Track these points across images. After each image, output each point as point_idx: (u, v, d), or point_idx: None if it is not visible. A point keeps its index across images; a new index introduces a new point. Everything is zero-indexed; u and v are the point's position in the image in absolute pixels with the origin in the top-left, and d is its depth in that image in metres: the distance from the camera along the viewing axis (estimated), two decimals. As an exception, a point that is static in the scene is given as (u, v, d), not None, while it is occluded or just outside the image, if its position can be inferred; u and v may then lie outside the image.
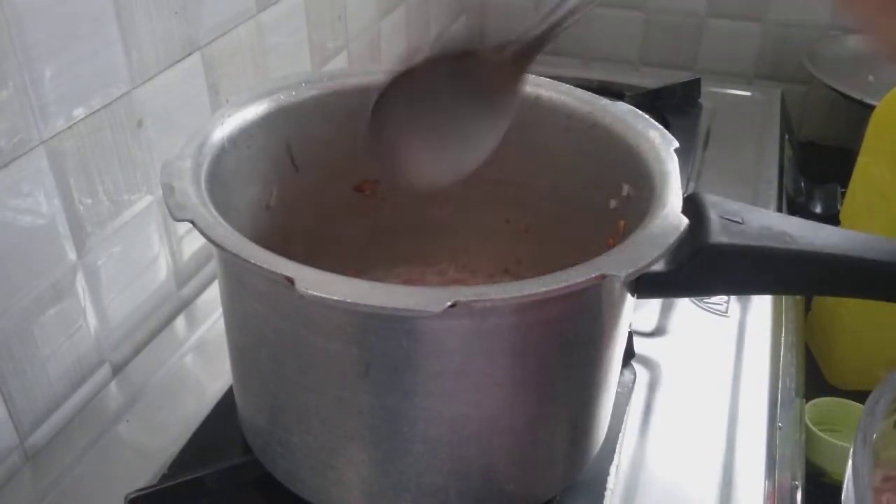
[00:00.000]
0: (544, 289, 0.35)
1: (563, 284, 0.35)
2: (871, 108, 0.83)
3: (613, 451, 0.52)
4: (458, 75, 0.41)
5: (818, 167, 1.01)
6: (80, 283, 0.55)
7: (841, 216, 0.88)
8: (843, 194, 0.89)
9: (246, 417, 0.48)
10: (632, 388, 0.57)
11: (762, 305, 0.66)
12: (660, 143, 0.45)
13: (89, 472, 0.52)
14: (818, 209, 0.90)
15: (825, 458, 0.83)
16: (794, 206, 0.88)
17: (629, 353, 0.59)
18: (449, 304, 0.33)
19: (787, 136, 0.97)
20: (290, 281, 0.34)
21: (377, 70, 0.53)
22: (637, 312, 0.63)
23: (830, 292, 0.46)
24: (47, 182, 0.51)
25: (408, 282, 0.58)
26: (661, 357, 0.60)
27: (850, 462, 0.38)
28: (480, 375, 0.39)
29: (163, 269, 0.64)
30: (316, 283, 0.34)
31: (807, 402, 0.82)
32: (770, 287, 0.50)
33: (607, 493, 0.49)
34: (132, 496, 0.46)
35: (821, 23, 1.08)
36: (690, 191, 0.53)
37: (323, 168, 0.53)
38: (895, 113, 0.79)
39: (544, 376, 0.41)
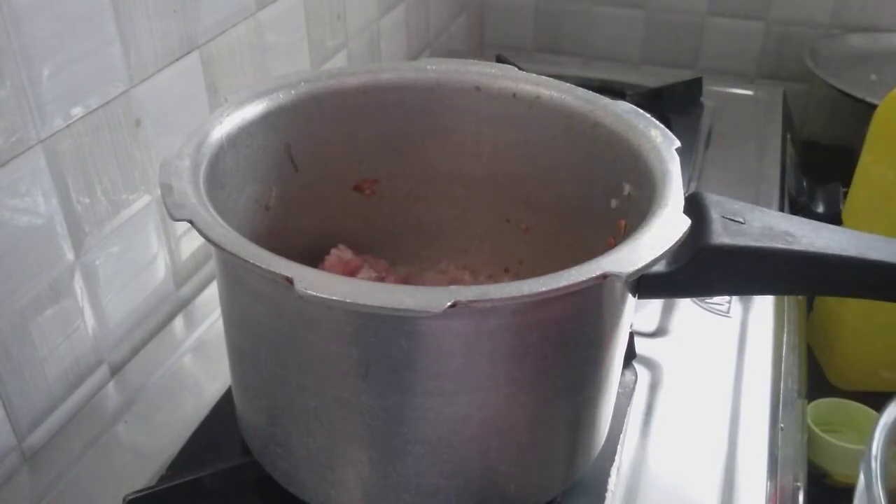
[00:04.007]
0: (545, 289, 0.34)
1: (564, 284, 0.35)
2: (874, 106, 0.82)
3: (614, 452, 0.51)
4: None
5: (820, 166, 1.01)
6: (78, 284, 0.55)
7: (843, 216, 0.88)
8: (846, 194, 0.88)
9: (245, 418, 0.48)
10: (633, 388, 0.57)
11: (764, 306, 0.66)
12: (661, 143, 0.45)
13: (87, 473, 0.51)
14: (820, 209, 0.90)
15: (827, 458, 0.83)
16: (796, 205, 0.88)
17: (630, 354, 0.59)
18: (449, 304, 0.33)
19: (788, 136, 0.96)
20: (289, 281, 0.34)
21: (377, 68, 0.53)
22: (638, 313, 0.63)
23: (832, 292, 0.46)
24: (45, 181, 0.50)
25: (408, 282, 0.58)
26: (662, 357, 0.60)
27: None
28: (481, 376, 0.39)
29: (161, 269, 0.63)
30: (315, 283, 0.34)
31: (809, 403, 0.82)
32: (772, 287, 0.50)
33: (608, 495, 0.49)
34: (130, 497, 0.46)
35: (823, 21, 1.08)
36: (692, 190, 0.53)
37: (322, 167, 0.53)
38: (897, 112, 0.79)
39: (545, 377, 0.41)
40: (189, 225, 0.38)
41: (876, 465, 0.37)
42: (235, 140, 0.46)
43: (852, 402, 0.88)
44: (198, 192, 0.40)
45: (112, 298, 0.58)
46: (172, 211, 0.38)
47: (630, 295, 0.42)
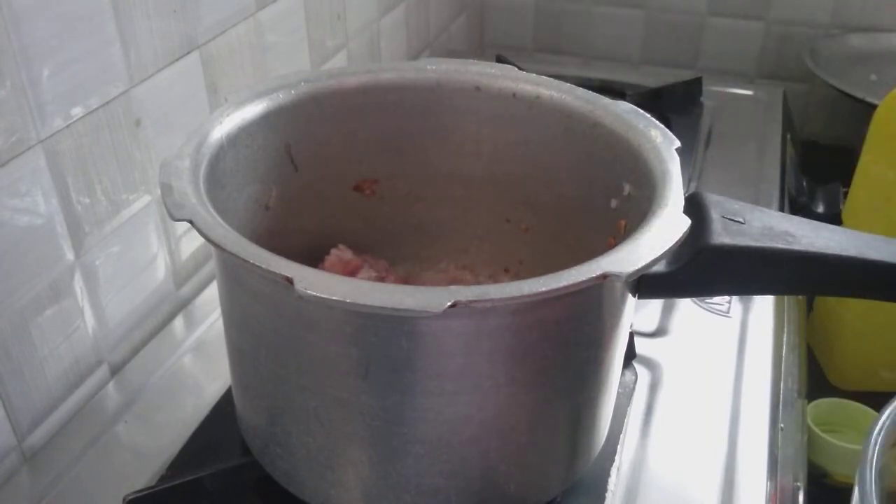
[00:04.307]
0: (545, 289, 0.34)
1: (564, 284, 0.35)
2: (874, 106, 0.82)
3: (614, 452, 0.51)
4: None
5: (820, 166, 1.01)
6: (78, 284, 0.55)
7: (843, 216, 0.88)
8: (846, 194, 0.88)
9: (245, 418, 0.48)
10: (633, 388, 0.57)
11: (764, 306, 0.66)
12: (661, 143, 0.45)
13: (87, 473, 0.51)
14: (820, 209, 0.90)
15: (827, 458, 0.83)
16: (796, 205, 0.88)
17: (630, 354, 0.59)
18: (449, 304, 0.33)
19: (788, 136, 0.96)
20: (289, 281, 0.34)
21: (377, 68, 0.53)
22: (638, 313, 0.63)
23: (832, 292, 0.46)
24: (45, 182, 0.50)
25: (408, 282, 0.58)
26: (662, 357, 0.60)
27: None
28: (481, 376, 0.39)
29: (161, 269, 0.63)
30: (315, 283, 0.34)
31: (809, 403, 0.82)
32: (772, 287, 0.50)
33: (608, 495, 0.49)
34: (130, 497, 0.46)
35: (822, 21, 1.08)
36: (692, 190, 0.53)
37: (322, 167, 0.53)
38: (897, 112, 0.79)
39: (545, 377, 0.41)
40: (189, 225, 0.38)
41: (872, 474, 0.37)
42: (235, 140, 0.46)
43: (852, 402, 0.88)
44: (198, 192, 0.40)
45: (112, 298, 0.58)
46: (172, 211, 0.38)
47: (630, 295, 0.42)
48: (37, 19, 0.47)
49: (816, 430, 0.84)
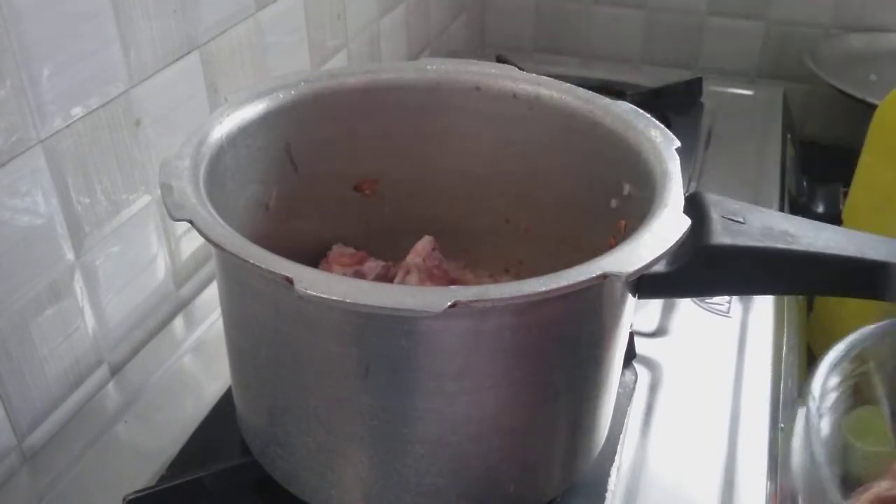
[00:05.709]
0: (545, 289, 0.34)
1: (564, 284, 0.35)
2: (874, 107, 0.82)
3: (615, 452, 0.51)
4: None
5: (820, 166, 1.01)
6: (78, 284, 0.55)
7: (843, 216, 0.88)
8: (846, 194, 0.88)
9: (245, 418, 0.48)
10: (633, 388, 0.57)
11: (764, 306, 0.66)
12: (661, 143, 0.45)
13: (87, 473, 0.51)
14: (820, 209, 0.90)
15: (827, 458, 0.82)
16: (796, 205, 0.88)
17: (630, 354, 0.59)
18: (449, 304, 0.33)
19: (788, 136, 0.96)
20: (289, 281, 0.34)
21: (377, 69, 0.53)
22: (638, 313, 0.63)
23: (832, 292, 0.46)
24: (45, 181, 0.50)
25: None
26: (662, 358, 0.60)
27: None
28: (481, 376, 0.39)
29: (161, 269, 0.63)
30: (315, 283, 0.34)
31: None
32: (772, 287, 0.50)
33: (608, 495, 0.49)
34: (130, 497, 0.46)
35: (823, 21, 1.08)
36: (692, 190, 0.53)
37: (322, 167, 0.53)
38: (897, 112, 0.79)
39: (545, 377, 0.41)
40: (189, 225, 0.38)
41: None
42: (235, 140, 0.46)
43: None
44: (198, 192, 0.40)
45: (112, 298, 0.58)
46: (172, 211, 0.38)
47: (630, 295, 0.42)
48: (37, 19, 0.47)
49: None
